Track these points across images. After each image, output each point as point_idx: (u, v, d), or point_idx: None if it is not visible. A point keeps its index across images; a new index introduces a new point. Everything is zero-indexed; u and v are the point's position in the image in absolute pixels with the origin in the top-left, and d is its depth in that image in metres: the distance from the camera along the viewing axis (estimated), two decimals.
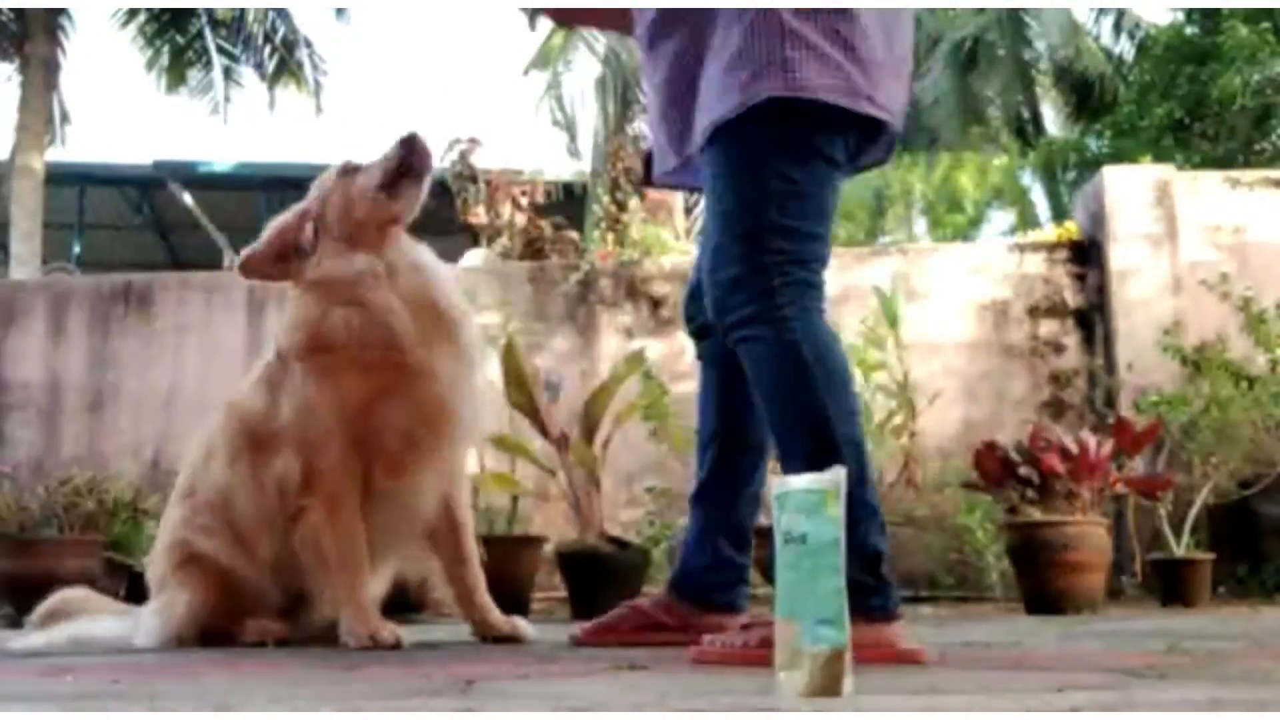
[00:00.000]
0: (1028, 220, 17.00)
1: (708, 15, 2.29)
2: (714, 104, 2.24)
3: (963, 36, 17.46)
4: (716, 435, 2.52)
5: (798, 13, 2.19)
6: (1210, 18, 12.16)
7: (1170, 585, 4.91)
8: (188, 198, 13.19)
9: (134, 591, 4.94)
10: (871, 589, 2.02)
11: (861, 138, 2.29)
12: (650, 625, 2.56)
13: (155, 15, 12.98)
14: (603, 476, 4.97)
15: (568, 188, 10.38)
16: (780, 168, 2.19)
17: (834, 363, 2.18)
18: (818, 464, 1.98)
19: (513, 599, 4.86)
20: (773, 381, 2.18)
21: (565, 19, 2.58)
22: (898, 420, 5.08)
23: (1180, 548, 4.99)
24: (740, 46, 2.22)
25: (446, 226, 8.43)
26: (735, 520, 2.52)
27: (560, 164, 12.27)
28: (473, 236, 7.91)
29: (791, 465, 2.12)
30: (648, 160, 2.60)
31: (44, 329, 6.81)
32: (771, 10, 2.20)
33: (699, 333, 2.58)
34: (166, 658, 2.46)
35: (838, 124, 2.21)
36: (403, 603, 4.65)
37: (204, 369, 6.67)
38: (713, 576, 2.49)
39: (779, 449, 2.22)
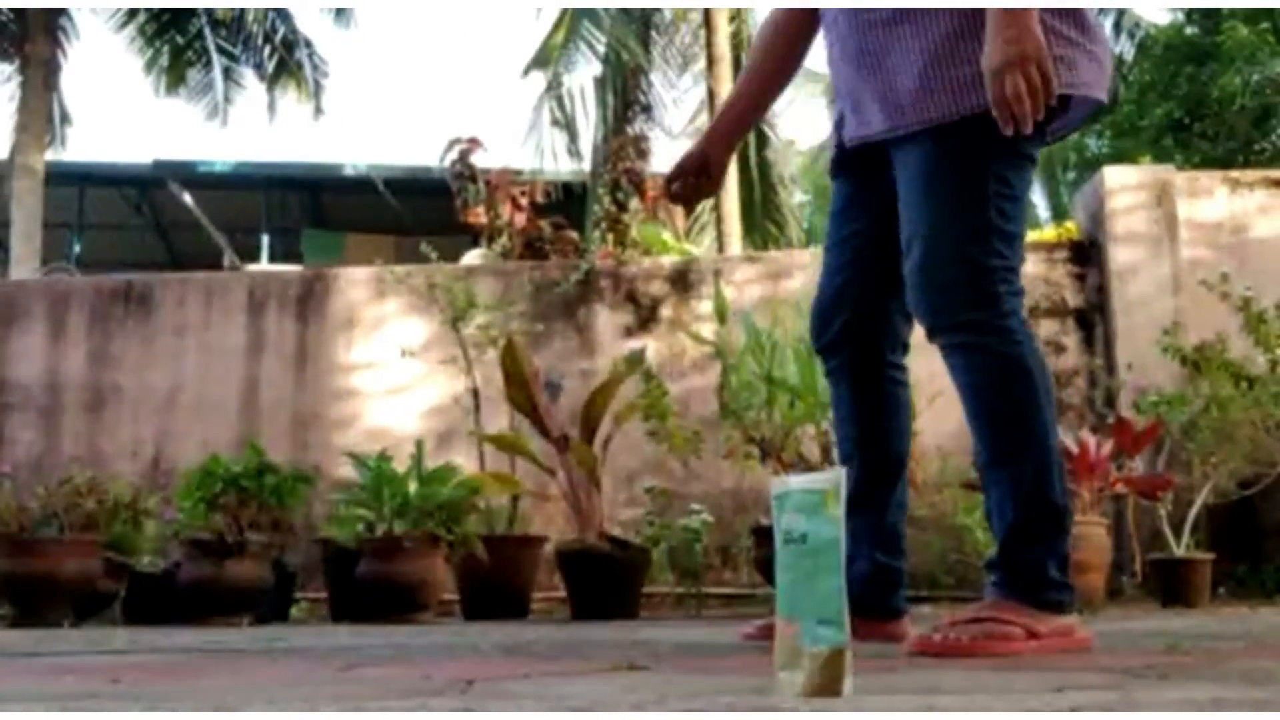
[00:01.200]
0: (1027, 220, 17.03)
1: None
2: (925, 101, 2.20)
3: None
4: (859, 449, 2.51)
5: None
6: (1210, 18, 12.18)
7: (1170, 585, 4.91)
8: (188, 198, 13.19)
9: (135, 591, 4.94)
10: (1065, 586, 2.20)
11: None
12: None
13: (155, 15, 12.98)
14: (603, 476, 4.97)
15: (567, 187, 10.37)
16: (1000, 171, 2.20)
17: (1049, 377, 2.24)
18: (1040, 480, 2.18)
19: (513, 599, 4.87)
20: (996, 393, 2.20)
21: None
22: None
23: (1180, 548, 4.99)
24: (953, 39, 2.18)
25: (446, 226, 8.45)
26: (887, 527, 2.52)
27: (560, 164, 12.26)
28: (472, 236, 7.91)
29: (1006, 477, 2.20)
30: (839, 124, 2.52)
31: (44, 329, 6.81)
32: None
33: (830, 348, 2.55)
34: (166, 658, 2.47)
35: (1042, 127, 2.20)
36: (403, 602, 4.65)
37: (204, 369, 6.68)
38: (872, 584, 2.46)
39: (991, 459, 2.23)
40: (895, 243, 2.37)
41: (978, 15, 2.16)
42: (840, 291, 2.48)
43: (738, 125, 2.76)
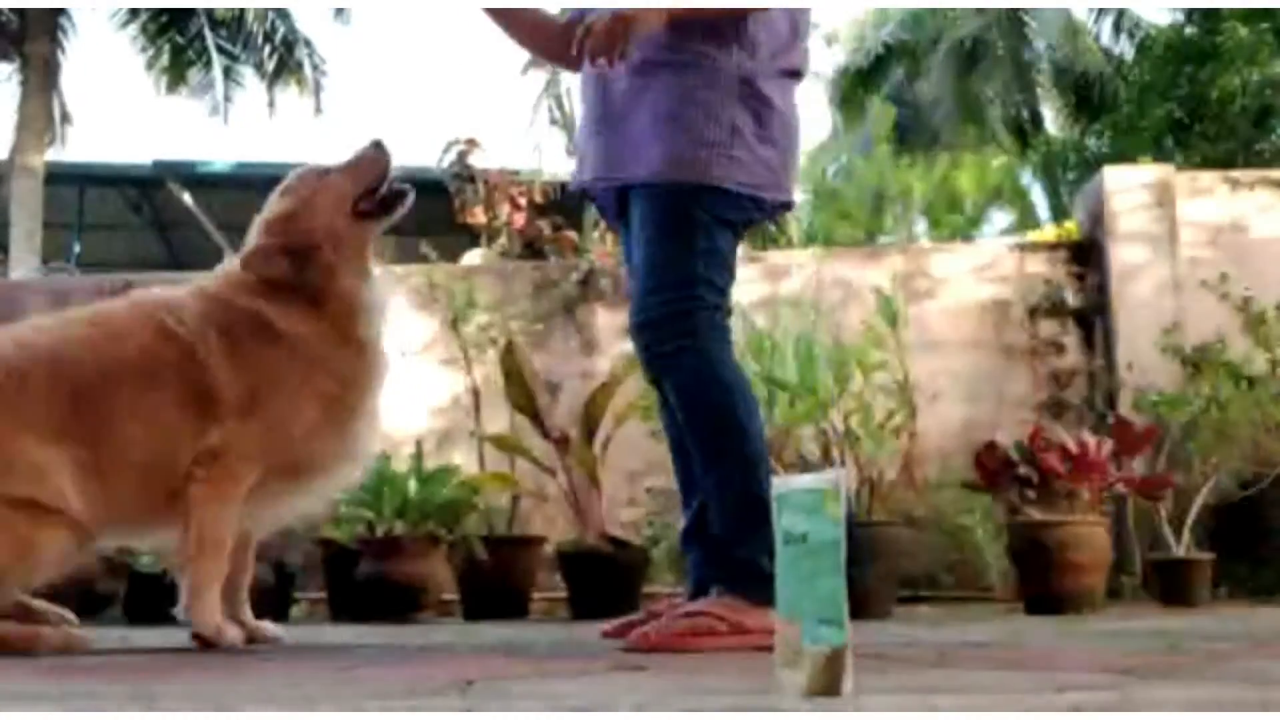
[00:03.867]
0: (1028, 220, 17.01)
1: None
2: (653, 158, 2.55)
3: (962, 36, 17.47)
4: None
5: (741, 104, 2.58)
6: (1210, 18, 12.16)
7: (1170, 585, 4.91)
8: (188, 198, 13.19)
9: (135, 591, 4.94)
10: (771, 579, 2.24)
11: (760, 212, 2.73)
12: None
13: (155, 15, 12.98)
14: (603, 476, 4.97)
15: (566, 187, 10.36)
16: (709, 232, 2.56)
17: (749, 389, 2.60)
18: (741, 473, 2.50)
19: (513, 599, 4.87)
20: (700, 403, 2.53)
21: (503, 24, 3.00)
22: (898, 420, 5.08)
23: (1180, 548, 4.99)
24: (683, 108, 2.55)
25: (445, 226, 8.44)
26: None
27: (559, 163, 12.25)
28: (471, 236, 7.90)
29: (716, 473, 2.53)
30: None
31: None
32: (715, 89, 2.55)
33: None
34: (166, 658, 2.47)
35: (748, 206, 2.62)
36: (403, 602, 4.65)
37: None
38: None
39: (703, 460, 2.55)
40: None
41: (697, 79, 2.54)
42: None
43: None
